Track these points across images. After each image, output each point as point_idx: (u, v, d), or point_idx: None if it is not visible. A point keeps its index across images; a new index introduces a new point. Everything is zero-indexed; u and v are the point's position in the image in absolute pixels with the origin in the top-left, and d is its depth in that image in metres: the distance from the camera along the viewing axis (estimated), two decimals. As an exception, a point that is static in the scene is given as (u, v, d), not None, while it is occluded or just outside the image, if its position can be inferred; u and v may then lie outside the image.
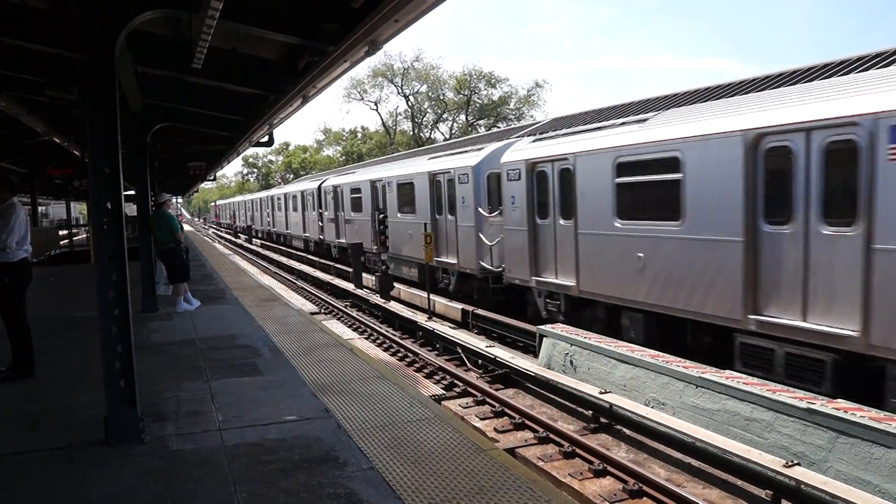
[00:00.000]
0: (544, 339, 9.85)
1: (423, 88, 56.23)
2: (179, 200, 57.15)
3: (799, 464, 5.57)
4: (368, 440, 4.75)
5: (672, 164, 8.80)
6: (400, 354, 11.96)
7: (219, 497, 3.91)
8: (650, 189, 9.34)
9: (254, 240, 46.69)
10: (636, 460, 6.75)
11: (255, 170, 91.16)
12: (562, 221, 11.37)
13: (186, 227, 44.16)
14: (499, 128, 38.93)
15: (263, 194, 47.70)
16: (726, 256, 8.04)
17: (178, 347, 8.02)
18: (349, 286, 19.14)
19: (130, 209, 18.90)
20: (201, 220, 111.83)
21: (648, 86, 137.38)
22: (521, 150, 12.70)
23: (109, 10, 4.66)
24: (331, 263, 24.75)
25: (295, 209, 33.19)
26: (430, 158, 17.84)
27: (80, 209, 59.22)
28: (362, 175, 22.75)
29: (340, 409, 5.47)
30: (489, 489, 3.95)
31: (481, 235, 13.99)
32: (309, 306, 16.38)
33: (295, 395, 5.92)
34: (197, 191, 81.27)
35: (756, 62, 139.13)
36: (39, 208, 29.69)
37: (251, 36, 7.13)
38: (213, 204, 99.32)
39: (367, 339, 13.26)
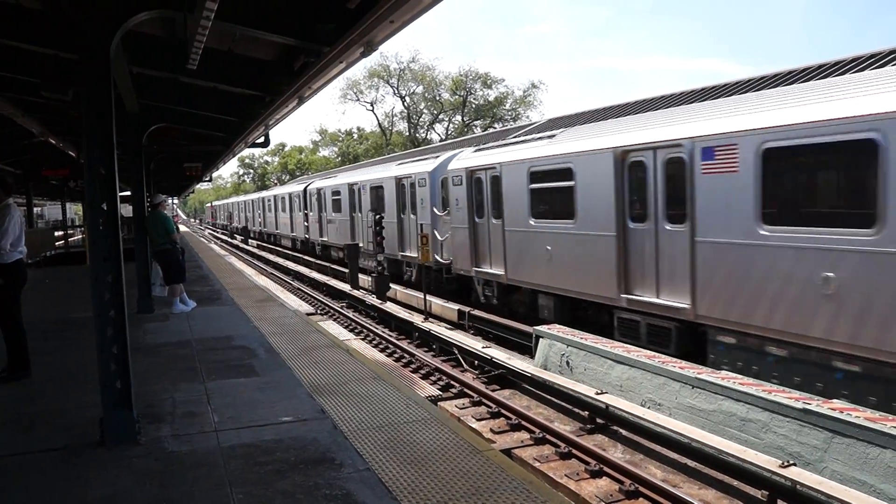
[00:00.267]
0: (540, 339, 9.87)
1: (420, 89, 56.13)
2: (175, 201, 56.94)
3: (795, 464, 5.59)
4: (365, 441, 4.75)
5: (567, 174, 10.75)
6: (396, 355, 11.95)
7: (215, 498, 3.91)
8: (554, 194, 11.29)
9: (249, 240, 46.63)
10: (632, 461, 6.75)
11: (251, 170, 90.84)
12: (493, 221, 13.21)
13: (182, 228, 44.06)
14: (495, 128, 38.95)
15: (256, 196, 49.06)
16: (605, 248, 9.96)
17: (174, 348, 8.01)
18: (345, 287, 19.15)
19: (126, 210, 18.90)
20: (197, 221, 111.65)
21: (644, 86, 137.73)
22: (464, 160, 14.56)
23: (104, 10, 4.66)
24: (327, 264, 24.88)
25: (284, 210, 35.02)
26: (397, 164, 19.72)
27: (75, 210, 58.98)
28: (342, 179, 24.62)
29: (337, 410, 5.47)
30: (485, 490, 3.95)
31: (435, 232, 15.55)
32: (305, 307, 16.39)
33: (291, 396, 5.91)
34: (193, 192, 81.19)
35: (752, 62, 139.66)
36: (35, 209, 29.60)
37: (246, 37, 7.11)
38: (208, 205, 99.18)
39: (363, 339, 13.26)
